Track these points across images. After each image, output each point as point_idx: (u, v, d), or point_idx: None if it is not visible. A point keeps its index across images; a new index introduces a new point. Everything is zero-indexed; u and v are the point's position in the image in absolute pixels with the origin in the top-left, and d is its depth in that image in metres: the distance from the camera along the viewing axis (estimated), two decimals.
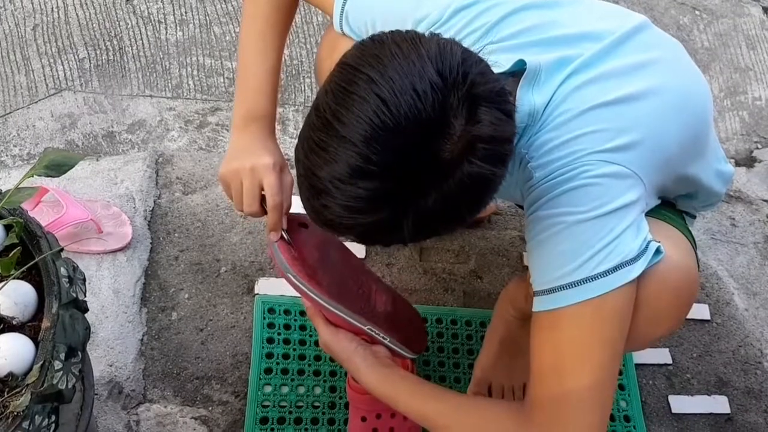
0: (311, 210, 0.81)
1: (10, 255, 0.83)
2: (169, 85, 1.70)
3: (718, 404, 1.43)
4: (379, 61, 0.74)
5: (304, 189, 0.81)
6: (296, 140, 0.82)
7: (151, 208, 1.46)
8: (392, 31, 0.79)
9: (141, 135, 1.61)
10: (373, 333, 1.09)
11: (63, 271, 0.85)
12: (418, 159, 0.73)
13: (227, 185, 1.05)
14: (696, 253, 1.04)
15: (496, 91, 0.76)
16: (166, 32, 1.78)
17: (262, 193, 1.03)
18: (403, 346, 1.12)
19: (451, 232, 0.84)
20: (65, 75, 1.66)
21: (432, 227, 0.79)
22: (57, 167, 0.79)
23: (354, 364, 1.06)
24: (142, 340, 1.31)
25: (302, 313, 1.38)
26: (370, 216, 0.76)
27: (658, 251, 0.91)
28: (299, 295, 1.08)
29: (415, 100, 0.72)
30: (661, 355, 1.47)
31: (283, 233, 1.05)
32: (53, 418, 0.78)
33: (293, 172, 0.84)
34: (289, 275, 1.04)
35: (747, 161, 1.85)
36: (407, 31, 0.78)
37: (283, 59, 1.13)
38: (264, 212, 1.04)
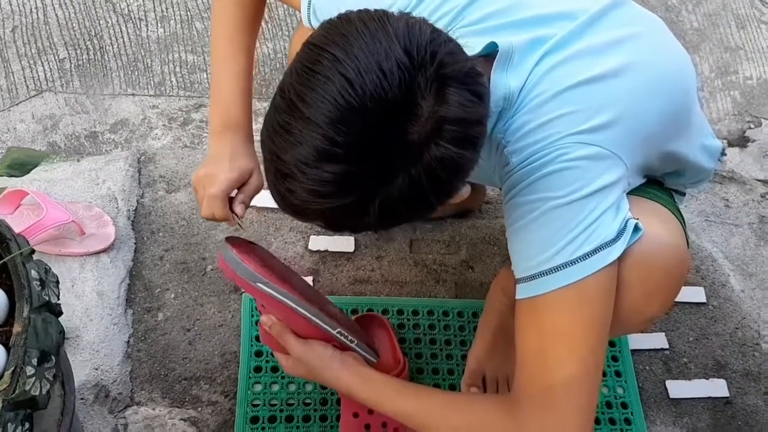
0: (277, 195, 0.80)
1: None
2: (152, 82, 1.68)
3: (717, 388, 1.41)
4: (344, 40, 0.72)
5: (270, 174, 0.79)
6: None
7: (134, 208, 1.43)
8: (360, 10, 0.77)
9: (124, 134, 1.58)
10: (342, 338, 1.05)
11: (33, 273, 0.83)
12: (384, 141, 0.71)
13: (195, 191, 1.09)
14: (685, 230, 1.02)
15: (465, 71, 0.74)
16: (147, 29, 1.75)
17: (231, 196, 1.05)
18: (369, 349, 1.10)
19: (420, 218, 0.81)
20: (45, 76, 1.64)
21: (400, 212, 0.77)
22: (20, 166, 0.77)
23: (332, 370, 1.03)
24: (128, 342, 1.29)
25: None
26: (337, 200, 0.74)
27: (637, 228, 0.89)
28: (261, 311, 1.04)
29: (380, 79, 0.70)
30: (657, 340, 1.45)
31: (237, 219, 1.06)
32: (27, 425, 0.76)
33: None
34: (260, 285, 0.97)
35: (740, 141, 1.83)
36: (375, 10, 0.76)
37: (259, 55, 1.13)
38: (224, 218, 1.05)
